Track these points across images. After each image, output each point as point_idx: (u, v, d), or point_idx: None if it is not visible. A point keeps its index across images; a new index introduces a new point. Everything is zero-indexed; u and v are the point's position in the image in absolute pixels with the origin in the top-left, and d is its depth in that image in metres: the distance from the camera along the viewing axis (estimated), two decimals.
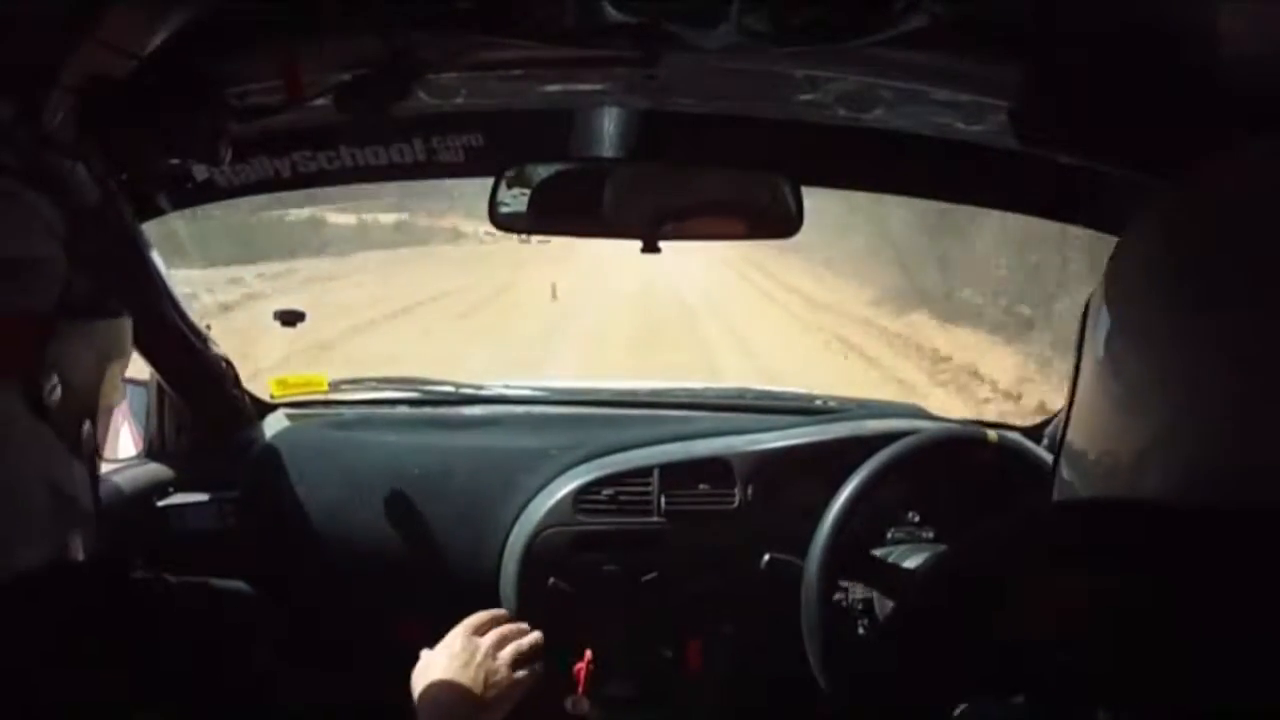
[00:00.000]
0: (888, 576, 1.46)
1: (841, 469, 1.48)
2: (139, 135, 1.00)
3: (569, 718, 1.58)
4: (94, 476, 0.98)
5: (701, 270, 18.90)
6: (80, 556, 0.94)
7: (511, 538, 1.60)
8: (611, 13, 0.95)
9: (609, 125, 1.41)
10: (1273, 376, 0.50)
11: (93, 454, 0.96)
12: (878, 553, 1.48)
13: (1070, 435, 0.63)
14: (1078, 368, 0.62)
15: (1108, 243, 0.64)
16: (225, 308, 11.65)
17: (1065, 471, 0.63)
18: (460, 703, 1.19)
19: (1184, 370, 0.53)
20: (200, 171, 1.38)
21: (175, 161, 1.05)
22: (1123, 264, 0.61)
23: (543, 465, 1.64)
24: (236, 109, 1.06)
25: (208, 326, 1.57)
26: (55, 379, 0.84)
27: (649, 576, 1.59)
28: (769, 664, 1.55)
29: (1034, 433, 1.74)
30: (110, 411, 1.00)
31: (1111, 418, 0.58)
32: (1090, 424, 0.60)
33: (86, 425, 0.92)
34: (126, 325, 0.96)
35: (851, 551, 1.47)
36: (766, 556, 1.55)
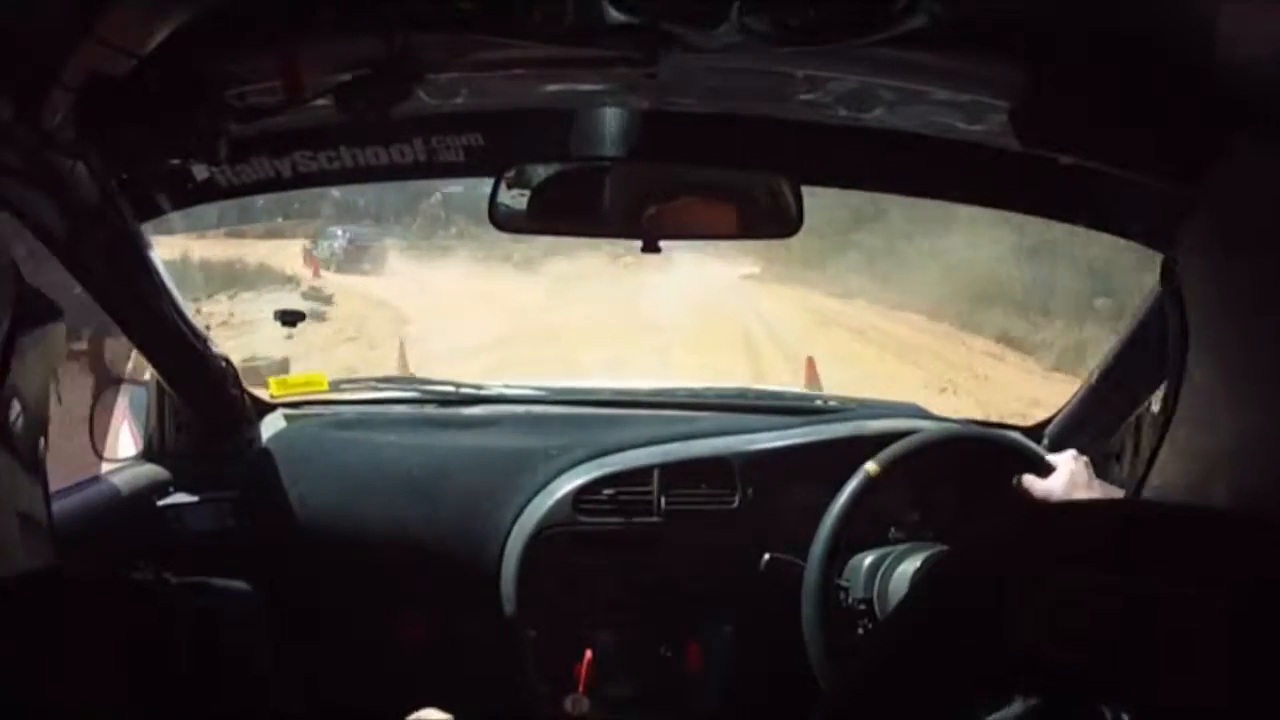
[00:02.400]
0: (888, 576, 1.46)
1: (841, 469, 1.47)
2: (139, 135, 1.00)
3: (569, 718, 1.58)
4: (45, 490, 0.96)
5: None
6: (41, 568, 0.92)
7: (511, 537, 1.60)
8: (612, 13, 0.95)
9: (609, 125, 1.41)
10: None
11: (44, 468, 0.95)
12: (878, 553, 1.48)
13: (1164, 442, 0.62)
14: (1178, 378, 0.61)
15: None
16: None
17: (1153, 479, 0.63)
18: None
19: (1253, 381, 0.53)
20: (200, 171, 1.37)
21: (175, 161, 1.05)
22: (1183, 274, 0.60)
23: (542, 465, 1.64)
24: (236, 109, 1.06)
25: (207, 327, 1.57)
26: (17, 404, 0.83)
27: (649, 576, 1.59)
28: (769, 664, 1.55)
29: (1034, 432, 1.74)
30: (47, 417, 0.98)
31: (1181, 428, 0.57)
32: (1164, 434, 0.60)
33: (41, 442, 0.91)
34: (61, 327, 0.94)
35: (852, 552, 1.47)
36: (766, 556, 1.55)
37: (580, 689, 1.57)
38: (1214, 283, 0.56)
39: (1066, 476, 1.42)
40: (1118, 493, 1.44)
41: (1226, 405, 0.54)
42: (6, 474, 0.84)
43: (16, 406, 0.84)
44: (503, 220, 1.38)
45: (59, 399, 1.47)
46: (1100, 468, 1.72)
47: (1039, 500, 1.36)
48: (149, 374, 1.59)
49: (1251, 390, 0.53)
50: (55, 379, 0.95)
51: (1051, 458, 1.47)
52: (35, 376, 0.88)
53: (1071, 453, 1.45)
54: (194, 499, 1.59)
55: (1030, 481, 1.44)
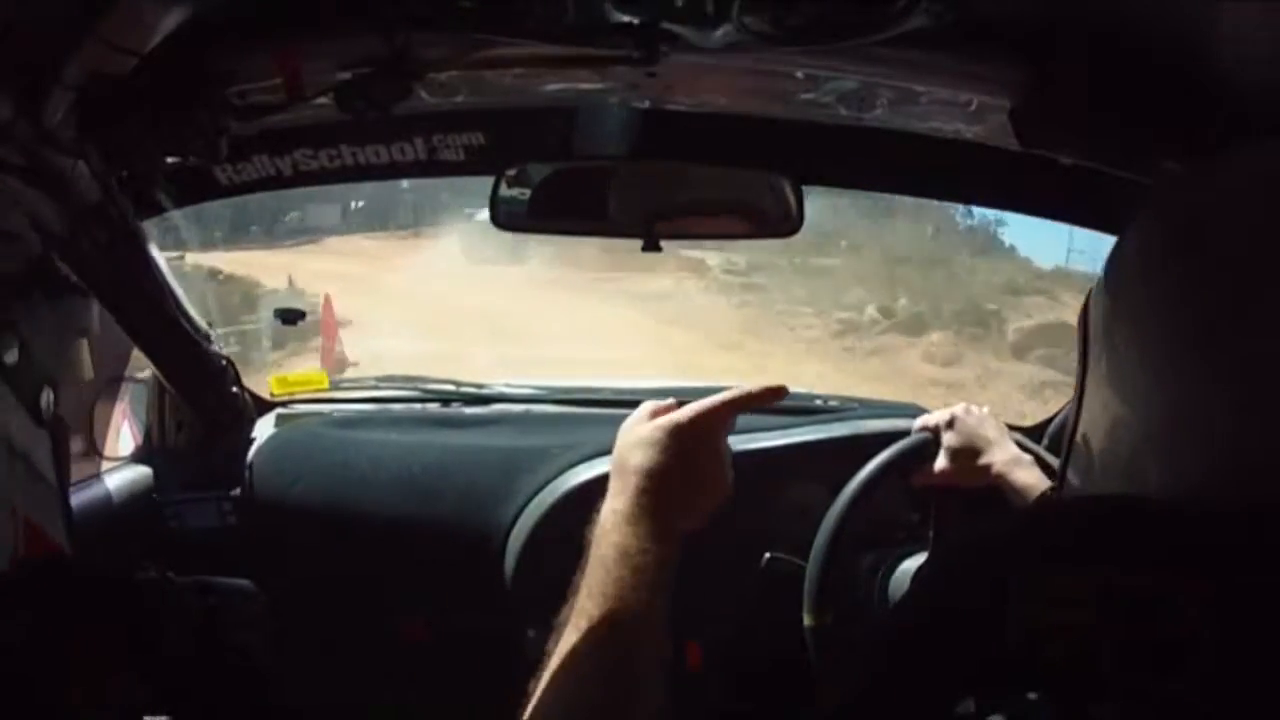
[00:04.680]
0: (888, 576, 1.46)
1: (841, 469, 1.47)
2: (139, 133, 1.00)
3: None
4: (59, 449, 0.99)
5: None
6: (39, 521, 0.96)
7: (512, 536, 1.60)
8: (613, 11, 0.95)
9: (610, 124, 1.41)
10: (1267, 379, 0.50)
11: (55, 426, 0.98)
12: (878, 553, 1.48)
13: (1077, 432, 0.63)
14: (1084, 366, 0.63)
15: None
16: None
17: (1071, 469, 0.64)
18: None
19: (1181, 370, 0.54)
20: (201, 169, 1.38)
21: (175, 160, 1.05)
22: (1121, 264, 0.61)
23: (543, 464, 1.64)
24: (237, 107, 1.06)
25: (209, 324, 1.57)
26: (15, 340, 0.86)
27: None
28: (769, 664, 1.54)
29: (1035, 432, 1.74)
30: (78, 388, 1.02)
31: (1112, 415, 0.58)
32: (1092, 421, 0.61)
33: (47, 393, 0.94)
34: (92, 305, 0.98)
35: (852, 551, 1.47)
36: (766, 556, 1.55)
37: None
38: (1166, 275, 0.57)
39: (954, 448, 1.36)
40: (1008, 444, 1.38)
41: (1155, 392, 0.55)
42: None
43: (15, 348, 0.88)
44: (504, 219, 1.38)
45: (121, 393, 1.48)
46: None
47: (1030, 497, 1.36)
48: (149, 372, 1.59)
49: (1181, 378, 0.54)
50: (83, 351, 0.99)
51: (925, 420, 1.42)
52: (44, 332, 0.92)
53: (960, 408, 1.39)
54: (194, 497, 1.59)
55: (929, 471, 1.39)
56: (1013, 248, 13.21)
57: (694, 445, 0.90)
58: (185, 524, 1.57)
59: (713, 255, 9.46)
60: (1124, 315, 0.58)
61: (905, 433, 1.48)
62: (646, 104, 1.38)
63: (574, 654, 0.74)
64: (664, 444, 0.87)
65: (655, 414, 0.93)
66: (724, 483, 0.93)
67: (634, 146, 1.41)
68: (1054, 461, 1.49)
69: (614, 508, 0.84)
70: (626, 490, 0.84)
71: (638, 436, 0.89)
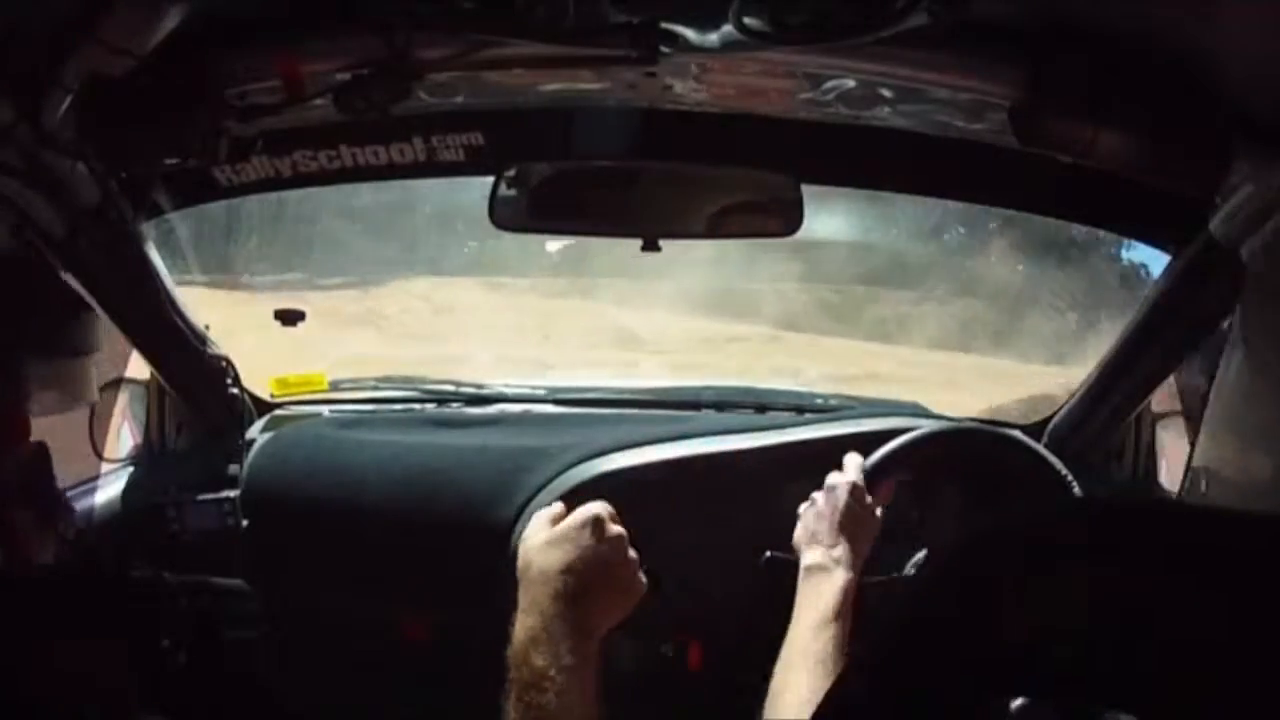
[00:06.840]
0: (887, 575, 1.46)
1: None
2: (139, 135, 1.00)
3: None
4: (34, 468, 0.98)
5: None
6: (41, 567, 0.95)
7: (512, 537, 1.60)
8: (612, 11, 0.95)
9: (609, 124, 1.41)
10: None
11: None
12: (878, 552, 1.48)
13: (1199, 457, 0.63)
14: (1205, 396, 0.63)
15: None
16: None
17: (1202, 485, 0.64)
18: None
19: None
20: (200, 171, 1.37)
21: (175, 161, 1.05)
22: (1257, 298, 0.61)
23: (543, 464, 1.64)
24: (236, 108, 1.06)
25: (207, 326, 1.57)
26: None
27: (649, 576, 1.58)
28: (769, 664, 1.54)
29: (1034, 431, 1.74)
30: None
31: (1240, 447, 0.58)
32: (1221, 450, 0.61)
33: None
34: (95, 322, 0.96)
35: None
36: (766, 555, 1.55)
37: None
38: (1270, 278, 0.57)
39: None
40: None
41: (1268, 390, 0.55)
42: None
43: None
44: (503, 219, 1.38)
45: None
46: (1101, 467, 1.72)
47: (1039, 498, 1.36)
48: (148, 373, 1.59)
49: None
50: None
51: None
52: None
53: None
54: (194, 499, 1.59)
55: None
56: None
57: (599, 544, 0.99)
58: (185, 525, 1.57)
59: None
60: (1260, 352, 0.58)
61: (905, 431, 1.48)
62: (646, 104, 1.38)
63: None
64: (570, 544, 0.97)
65: (553, 521, 1.02)
66: (638, 584, 1.04)
67: (633, 146, 1.41)
68: (1055, 462, 1.49)
69: (525, 625, 0.94)
70: (538, 602, 0.95)
71: (540, 541, 0.98)
